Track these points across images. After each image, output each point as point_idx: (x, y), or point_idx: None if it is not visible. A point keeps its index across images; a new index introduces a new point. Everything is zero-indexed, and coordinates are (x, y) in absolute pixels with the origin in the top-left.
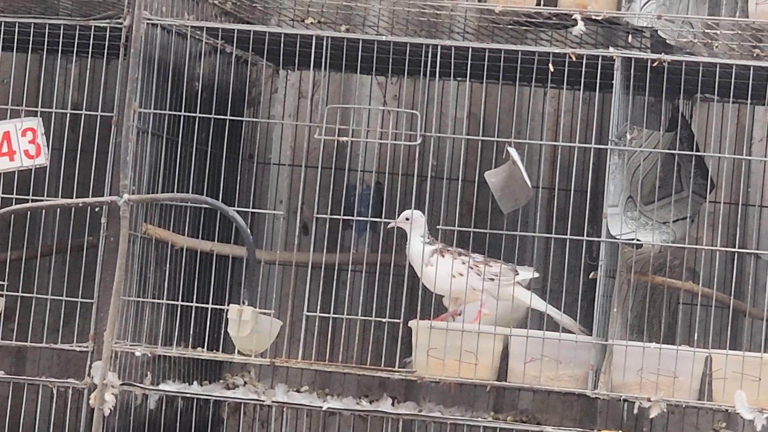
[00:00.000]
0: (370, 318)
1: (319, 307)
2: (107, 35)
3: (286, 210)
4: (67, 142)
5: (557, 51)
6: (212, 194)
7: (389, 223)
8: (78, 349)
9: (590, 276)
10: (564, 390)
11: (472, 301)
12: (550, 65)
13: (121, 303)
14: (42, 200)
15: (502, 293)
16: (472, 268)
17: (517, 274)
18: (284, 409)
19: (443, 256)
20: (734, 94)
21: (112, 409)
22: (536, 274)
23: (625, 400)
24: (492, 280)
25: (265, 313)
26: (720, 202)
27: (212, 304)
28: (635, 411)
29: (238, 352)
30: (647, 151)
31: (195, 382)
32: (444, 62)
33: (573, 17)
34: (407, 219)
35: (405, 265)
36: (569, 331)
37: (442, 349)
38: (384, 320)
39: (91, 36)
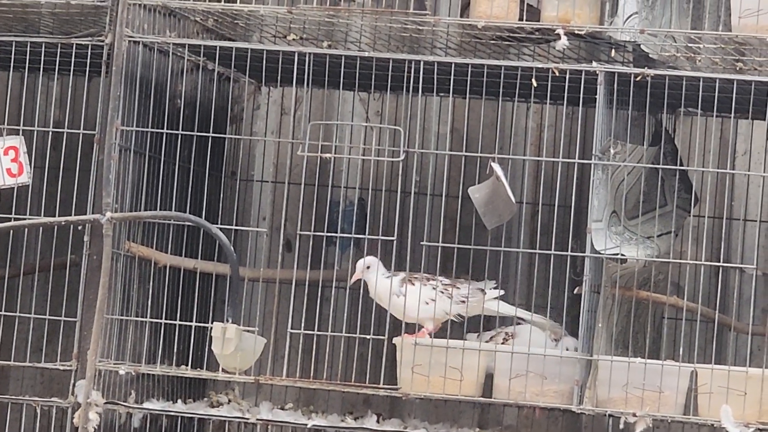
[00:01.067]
0: (354, 335)
1: (303, 324)
2: (89, 53)
3: (270, 227)
4: (49, 160)
5: (540, 66)
6: (195, 212)
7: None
8: (61, 367)
9: (575, 291)
10: (549, 405)
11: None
12: (533, 80)
13: (105, 321)
14: (24, 219)
15: (474, 311)
16: (442, 293)
17: (485, 293)
18: (269, 426)
19: (412, 284)
20: (718, 108)
21: (96, 427)
22: (502, 292)
23: (610, 416)
24: (462, 302)
25: (249, 331)
26: (704, 216)
27: (196, 321)
28: (621, 426)
29: (222, 369)
30: (631, 165)
31: (179, 400)
32: (427, 78)
33: (556, 32)
34: (368, 267)
35: None
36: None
37: (426, 365)
38: (368, 337)
39: (73, 54)
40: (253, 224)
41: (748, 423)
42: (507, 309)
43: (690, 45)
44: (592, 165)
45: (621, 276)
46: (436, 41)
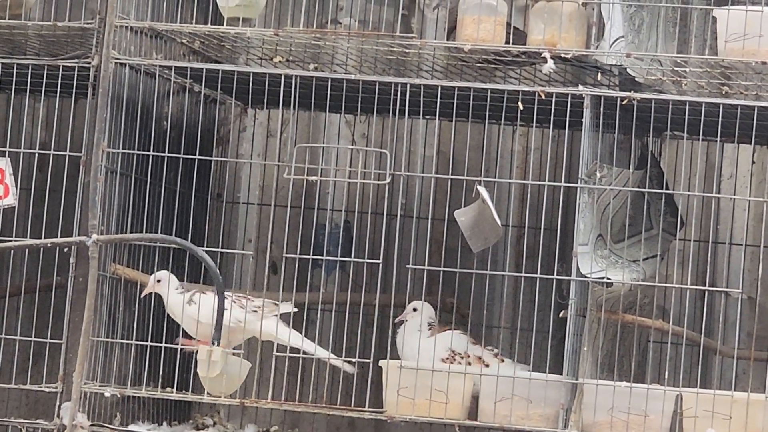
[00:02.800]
0: (339, 358)
1: (288, 347)
2: (75, 75)
3: (255, 249)
4: (35, 182)
5: (526, 89)
6: (181, 234)
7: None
8: (47, 389)
9: (560, 315)
10: (534, 429)
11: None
12: (520, 103)
13: (90, 343)
14: (10, 240)
15: (265, 326)
16: (234, 302)
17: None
18: None
19: (205, 293)
20: (703, 132)
21: None
22: (296, 309)
23: None
24: (255, 311)
25: (234, 354)
26: (690, 240)
27: (181, 344)
28: None
29: (208, 392)
30: (617, 189)
31: (164, 423)
32: (413, 100)
33: (542, 55)
34: (159, 281)
35: (375, 304)
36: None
37: (412, 388)
38: (353, 360)
39: (60, 75)
40: (238, 246)
41: None
42: (293, 337)
43: (676, 69)
44: (578, 188)
45: (607, 299)
46: (422, 64)
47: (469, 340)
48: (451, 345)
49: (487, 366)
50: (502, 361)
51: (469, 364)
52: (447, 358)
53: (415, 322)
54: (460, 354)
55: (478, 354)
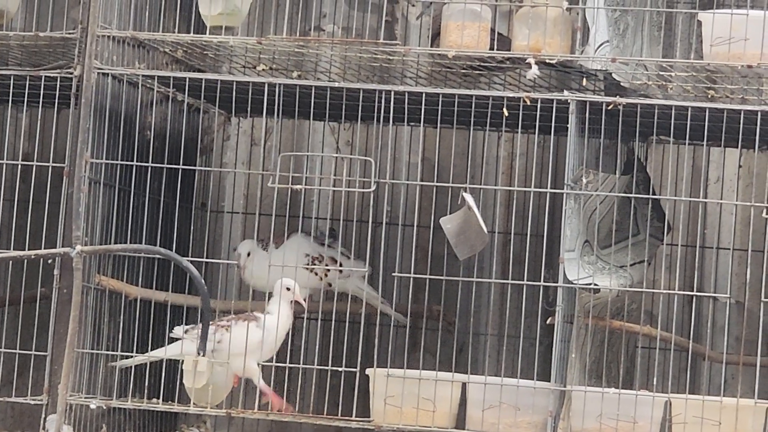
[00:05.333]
0: (326, 367)
1: (274, 357)
2: (58, 85)
3: None
4: (18, 193)
5: (511, 95)
6: (166, 244)
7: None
8: (32, 402)
9: (547, 321)
10: None
11: None
12: (505, 109)
13: (76, 355)
14: None
15: None
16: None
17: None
18: None
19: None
20: (689, 136)
21: None
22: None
23: None
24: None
25: (220, 364)
26: (677, 245)
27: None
28: None
29: (194, 403)
30: (603, 194)
31: None
32: (397, 107)
33: (527, 61)
34: None
35: (361, 312)
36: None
37: (399, 396)
38: (340, 369)
39: (42, 86)
40: (223, 256)
41: None
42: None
43: (661, 73)
44: (564, 194)
45: (594, 306)
46: (406, 71)
47: (313, 240)
48: (305, 249)
49: (341, 266)
50: (349, 258)
51: (327, 266)
52: (309, 264)
53: (251, 245)
54: (317, 258)
55: (331, 255)
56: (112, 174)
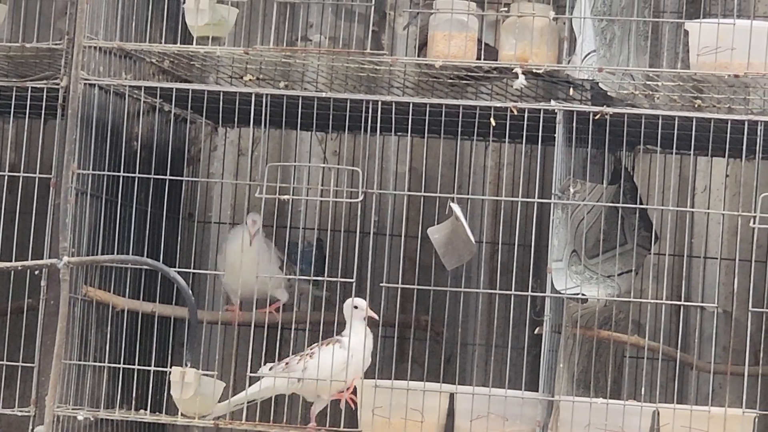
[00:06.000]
0: (314, 378)
1: (262, 368)
2: (44, 96)
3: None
4: (5, 204)
5: (498, 105)
6: (153, 255)
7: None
8: (19, 413)
9: (535, 331)
10: None
11: None
12: (492, 119)
13: (63, 366)
14: None
15: None
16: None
17: None
18: None
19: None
20: (677, 145)
21: None
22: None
23: None
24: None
25: (208, 375)
26: (664, 254)
27: (154, 366)
28: None
29: (182, 414)
30: (590, 204)
31: None
32: (384, 117)
33: (514, 71)
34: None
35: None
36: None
37: (387, 407)
38: (328, 380)
39: (28, 97)
40: (211, 266)
41: None
42: None
43: (648, 82)
44: (552, 204)
45: (582, 315)
46: (393, 81)
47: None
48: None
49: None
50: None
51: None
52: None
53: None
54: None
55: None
56: (99, 185)
